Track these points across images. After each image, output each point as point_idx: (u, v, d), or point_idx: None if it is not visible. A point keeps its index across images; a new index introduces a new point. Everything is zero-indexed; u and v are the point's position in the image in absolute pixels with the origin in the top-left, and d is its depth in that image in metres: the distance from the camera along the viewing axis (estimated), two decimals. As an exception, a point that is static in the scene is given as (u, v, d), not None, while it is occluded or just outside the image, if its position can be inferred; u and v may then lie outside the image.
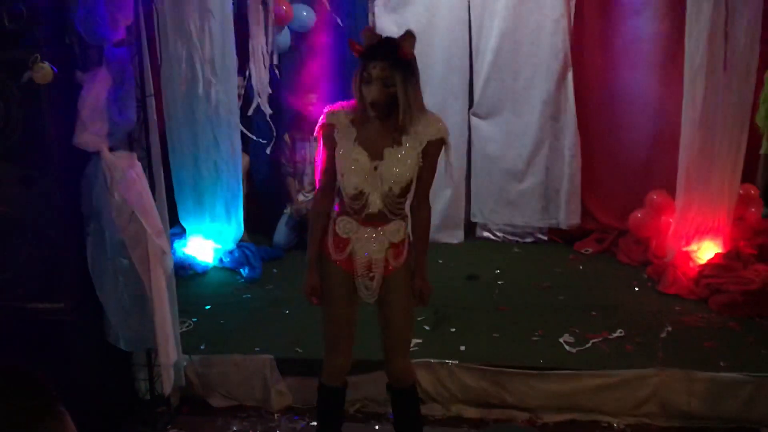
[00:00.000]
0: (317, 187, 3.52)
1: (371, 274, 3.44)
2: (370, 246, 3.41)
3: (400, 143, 3.29)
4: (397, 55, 3.18)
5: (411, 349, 4.54)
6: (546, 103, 6.55)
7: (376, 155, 3.29)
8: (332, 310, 3.54)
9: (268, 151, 6.34)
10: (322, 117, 3.38)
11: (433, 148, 3.33)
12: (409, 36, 3.22)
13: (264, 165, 6.92)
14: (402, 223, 3.43)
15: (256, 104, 6.19)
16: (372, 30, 3.32)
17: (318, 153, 3.46)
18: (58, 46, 3.70)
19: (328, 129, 3.35)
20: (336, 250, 3.45)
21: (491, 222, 6.94)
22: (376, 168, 3.29)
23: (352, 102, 3.33)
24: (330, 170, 3.39)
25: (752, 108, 5.42)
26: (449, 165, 3.42)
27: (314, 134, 3.43)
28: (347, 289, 3.48)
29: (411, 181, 3.35)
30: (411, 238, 3.52)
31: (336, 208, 3.47)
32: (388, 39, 3.26)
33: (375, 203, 3.33)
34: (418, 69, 3.28)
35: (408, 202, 3.44)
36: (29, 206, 3.76)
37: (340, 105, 3.37)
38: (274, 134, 6.25)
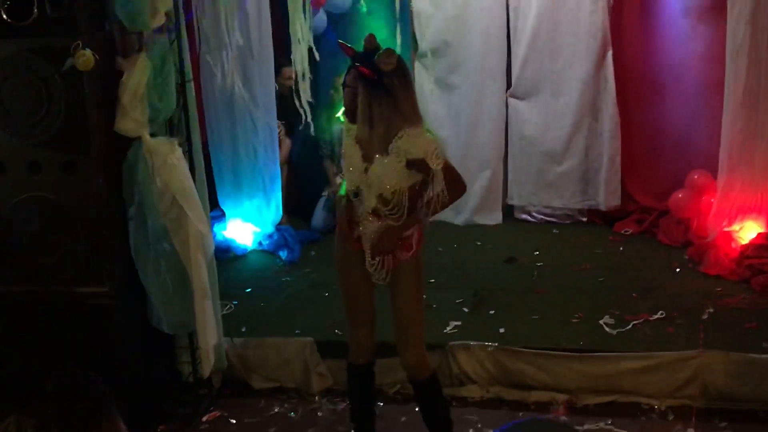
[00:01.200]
0: None
1: (374, 262, 3.48)
2: (376, 234, 3.45)
3: (387, 152, 3.33)
4: (370, 68, 3.24)
5: (450, 331, 4.62)
6: (585, 83, 6.49)
7: (368, 158, 3.37)
8: (348, 288, 3.64)
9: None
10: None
11: (418, 168, 3.32)
12: (386, 53, 3.26)
13: (303, 148, 6.93)
14: (410, 220, 3.44)
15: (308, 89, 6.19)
16: (373, 38, 3.35)
17: None
18: (98, 33, 3.74)
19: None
20: (349, 230, 3.52)
21: (530, 204, 6.90)
22: (366, 170, 3.37)
23: None
24: None
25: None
26: (436, 192, 3.35)
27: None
28: (362, 268, 3.54)
29: (401, 192, 3.35)
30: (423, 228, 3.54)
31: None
32: (367, 52, 3.31)
33: (369, 202, 3.40)
34: (408, 83, 3.33)
35: (416, 206, 3.43)
36: (72, 192, 3.82)
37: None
38: (305, 117, 6.26)
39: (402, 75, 3.32)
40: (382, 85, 3.27)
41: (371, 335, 3.72)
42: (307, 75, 6.19)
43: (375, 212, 3.43)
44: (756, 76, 5.36)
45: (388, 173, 3.32)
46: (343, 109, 3.37)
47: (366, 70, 3.26)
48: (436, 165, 3.30)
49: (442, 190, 3.33)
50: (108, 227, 3.90)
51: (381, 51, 3.29)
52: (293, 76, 6.48)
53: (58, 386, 1.19)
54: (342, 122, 3.57)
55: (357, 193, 3.43)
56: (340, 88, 3.39)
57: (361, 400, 3.84)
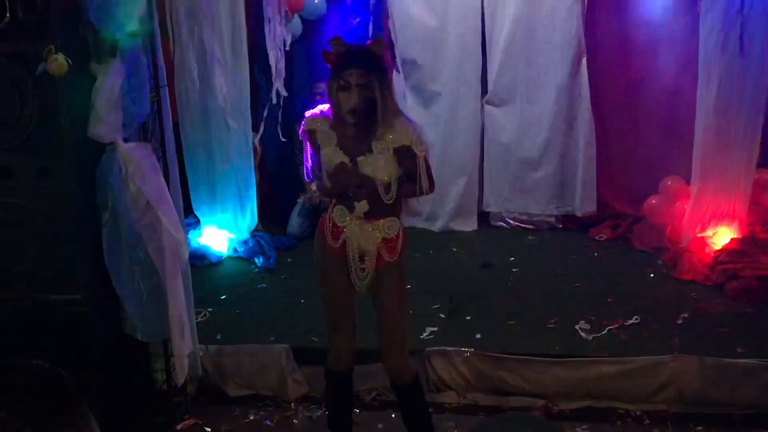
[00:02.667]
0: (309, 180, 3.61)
1: (362, 266, 3.48)
2: (362, 238, 3.45)
3: (371, 150, 3.33)
4: (373, 61, 3.23)
5: (426, 338, 4.62)
6: (560, 90, 6.52)
7: (354, 161, 3.36)
8: (330, 294, 3.62)
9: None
10: (302, 122, 3.47)
11: (403, 156, 3.35)
12: (378, 40, 3.29)
13: (276, 154, 6.92)
14: (396, 220, 3.48)
15: (276, 91, 6.19)
16: (340, 39, 3.33)
17: (305, 152, 3.53)
18: (72, 38, 3.68)
19: (310, 135, 3.44)
20: (332, 237, 3.51)
21: (506, 211, 6.92)
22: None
23: (330, 108, 3.38)
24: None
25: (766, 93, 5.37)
26: (421, 175, 3.39)
27: (299, 137, 3.51)
28: (344, 275, 3.54)
29: (394, 182, 3.38)
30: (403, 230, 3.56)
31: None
32: (360, 46, 3.31)
33: (360, 208, 3.40)
34: (390, 73, 3.37)
35: (401, 201, 3.49)
36: (44, 198, 3.75)
37: (320, 110, 3.43)
38: (279, 120, 6.27)
39: (388, 65, 3.37)
40: (386, 74, 3.29)
41: (352, 342, 3.71)
42: (281, 74, 6.21)
43: (363, 215, 3.43)
44: (728, 84, 5.41)
45: (378, 168, 3.33)
46: (347, 111, 3.26)
47: (382, 57, 3.25)
48: (421, 152, 3.34)
49: (426, 178, 3.38)
50: (81, 234, 3.84)
51: (374, 42, 3.29)
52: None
53: (27, 382, 1.18)
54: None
55: (345, 198, 3.42)
56: (336, 94, 3.32)
57: (339, 407, 3.83)
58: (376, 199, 3.39)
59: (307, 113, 3.47)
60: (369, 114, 3.26)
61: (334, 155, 3.37)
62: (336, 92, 3.27)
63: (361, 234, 3.45)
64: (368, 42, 3.34)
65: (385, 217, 3.44)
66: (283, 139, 6.42)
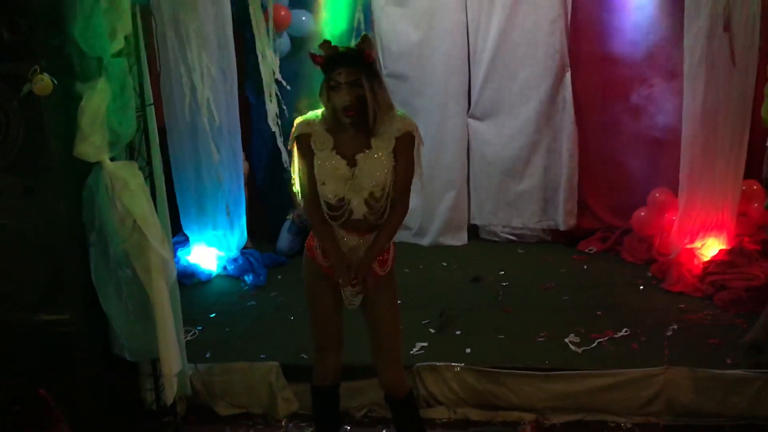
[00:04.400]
0: (303, 198, 3.53)
1: (354, 281, 3.45)
2: (351, 254, 3.43)
3: (370, 147, 3.33)
4: (360, 59, 3.24)
5: (416, 353, 4.61)
6: (543, 103, 6.54)
7: (352, 162, 3.34)
8: (318, 313, 3.61)
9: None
10: (294, 128, 3.43)
11: (403, 145, 3.35)
12: (366, 38, 3.29)
13: (265, 171, 6.91)
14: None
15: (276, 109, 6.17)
16: (329, 43, 3.34)
17: (294, 164, 3.50)
18: (57, 58, 3.68)
19: (304, 139, 3.40)
20: (324, 257, 3.50)
21: (490, 224, 6.92)
22: (353, 174, 3.33)
23: (321, 112, 3.38)
24: (312, 179, 3.42)
25: (754, 102, 5.38)
26: (419, 164, 3.42)
27: (288, 146, 3.48)
28: (332, 294, 3.54)
29: (390, 184, 3.37)
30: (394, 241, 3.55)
31: None
32: (346, 47, 3.31)
33: (359, 209, 3.37)
34: (380, 70, 3.37)
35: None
36: (31, 218, 3.76)
37: (313, 114, 3.41)
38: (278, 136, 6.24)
39: (378, 61, 3.38)
40: (375, 71, 3.29)
41: (338, 358, 3.70)
42: (274, 96, 6.20)
43: (356, 229, 3.41)
44: (714, 94, 5.43)
45: (378, 166, 3.32)
46: (340, 111, 3.26)
47: (371, 56, 3.26)
48: (421, 140, 3.39)
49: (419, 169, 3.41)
50: (68, 254, 3.84)
51: (361, 40, 3.29)
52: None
53: (4, 398, 1.18)
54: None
55: (338, 206, 3.39)
56: (327, 94, 3.30)
57: (326, 422, 3.81)
58: (373, 213, 3.38)
59: (298, 119, 3.44)
60: (363, 111, 3.27)
61: (329, 160, 3.35)
62: (327, 93, 3.28)
63: (352, 251, 3.44)
64: (358, 42, 3.32)
65: (375, 231, 3.43)
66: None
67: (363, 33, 3.35)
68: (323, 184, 3.38)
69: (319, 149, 3.37)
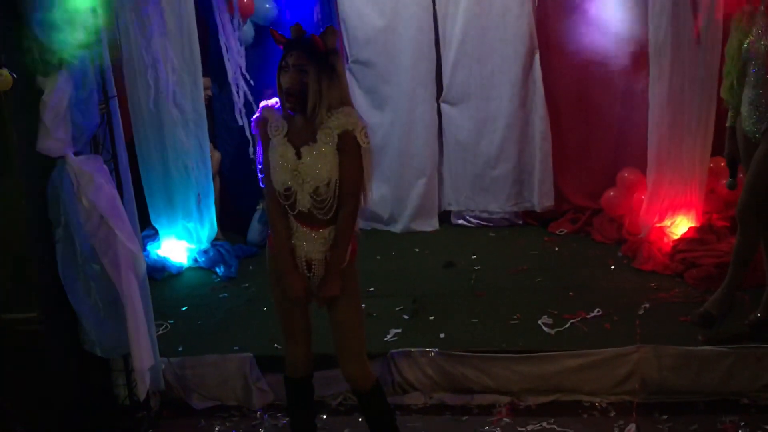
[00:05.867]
0: (263, 186, 3.48)
1: (310, 274, 3.45)
2: (308, 246, 3.42)
3: (315, 140, 3.29)
4: (312, 46, 3.22)
5: (390, 339, 4.61)
6: (515, 87, 6.53)
7: (299, 152, 3.31)
8: (283, 302, 3.57)
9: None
10: (257, 112, 3.41)
11: (346, 143, 3.29)
12: (329, 30, 3.27)
13: (232, 161, 6.86)
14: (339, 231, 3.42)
15: (243, 99, 6.12)
16: (300, 27, 3.32)
17: (257, 150, 3.47)
18: (16, 52, 3.63)
19: (262, 123, 3.39)
20: None
21: (467, 210, 6.93)
22: (298, 165, 3.30)
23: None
24: (268, 166, 3.40)
25: (719, 80, 5.41)
26: (365, 168, 3.34)
27: (251, 131, 3.46)
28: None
29: (334, 181, 3.32)
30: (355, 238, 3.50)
31: None
32: (311, 34, 3.29)
33: (303, 201, 3.34)
34: (342, 65, 3.32)
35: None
36: (-5, 215, 3.71)
37: (276, 100, 3.38)
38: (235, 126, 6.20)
39: (339, 55, 3.32)
40: (330, 63, 3.25)
41: (308, 348, 3.68)
42: (242, 86, 6.16)
43: (307, 222, 3.38)
44: (680, 74, 5.47)
45: (320, 161, 3.27)
46: (283, 93, 3.24)
47: (321, 43, 3.22)
48: (365, 143, 3.30)
49: (368, 172, 3.35)
50: (34, 251, 3.79)
51: (324, 30, 3.27)
52: (210, 86, 6.48)
53: None
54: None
55: (288, 195, 3.35)
56: (278, 76, 3.27)
57: (300, 413, 3.79)
58: (320, 207, 3.34)
59: (263, 103, 3.42)
60: (303, 99, 3.24)
61: (282, 148, 3.32)
62: (278, 74, 3.26)
63: (307, 243, 3.42)
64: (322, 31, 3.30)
65: (329, 226, 3.39)
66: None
67: (329, 25, 3.31)
68: (273, 171, 3.35)
69: (274, 135, 3.35)
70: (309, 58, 3.21)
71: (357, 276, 3.54)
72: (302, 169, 3.29)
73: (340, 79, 3.30)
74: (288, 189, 3.34)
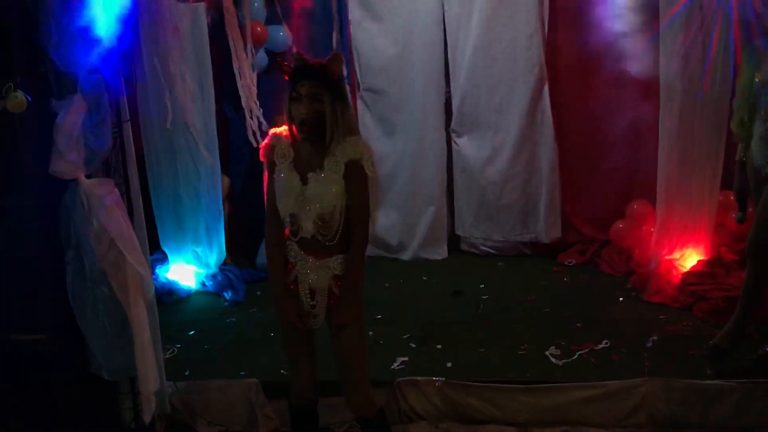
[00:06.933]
0: (266, 211, 3.48)
1: (313, 302, 3.43)
2: (312, 276, 3.40)
3: (322, 167, 3.28)
4: (325, 75, 3.21)
5: (397, 368, 4.59)
6: (523, 117, 6.55)
7: (304, 178, 3.31)
8: (287, 331, 3.55)
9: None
10: (266, 138, 3.41)
11: (353, 172, 3.28)
12: (336, 56, 3.27)
13: (243, 187, 6.89)
14: (345, 257, 3.40)
15: (257, 123, 6.16)
16: (301, 53, 3.33)
17: (265, 177, 3.47)
18: (32, 75, 3.67)
19: (269, 151, 3.38)
20: (284, 272, 3.46)
21: (472, 237, 6.93)
22: (303, 191, 3.30)
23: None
24: (273, 192, 3.40)
25: (729, 115, 5.42)
26: (372, 196, 3.35)
27: (260, 157, 3.44)
28: (299, 309, 3.46)
29: (340, 208, 3.30)
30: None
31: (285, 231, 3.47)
32: (317, 61, 3.28)
33: (307, 228, 3.32)
34: (347, 91, 3.31)
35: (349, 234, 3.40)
36: (6, 237, 3.73)
37: (285, 127, 3.37)
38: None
39: (346, 82, 3.33)
40: (341, 89, 3.26)
41: (312, 375, 3.64)
42: (255, 111, 6.20)
43: (311, 250, 3.37)
44: (690, 107, 5.47)
45: (326, 189, 3.27)
46: (297, 123, 3.23)
47: (335, 72, 3.22)
48: (372, 172, 3.30)
49: (375, 201, 3.35)
50: (44, 272, 3.81)
51: (330, 57, 3.26)
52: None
53: None
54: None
55: (293, 222, 3.35)
56: (289, 105, 3.26)
57: None
58: (324, 233, 3.33)
59: (272, 130, 3.42)
60: (319, 127, 3.23)
61: (287, 175, 3.32)
62: (289, 105, 3.25)
63: (311, 272, 3.40)
64: (328, 57, 3.28)
65: (333, 255, 3.38)
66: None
67: (334, 50, 3.32)
68: (279, 197, 3.34)
69: (280, 162, 3.34)
70: (322, 86, 3.20)
71: (360, 305, 3.50)
72: (308, 195, 3.29)
73: (350, 106, 3.32)
74: (293, 215, 3.34)
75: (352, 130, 3.33)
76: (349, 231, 3.37)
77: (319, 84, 3.20)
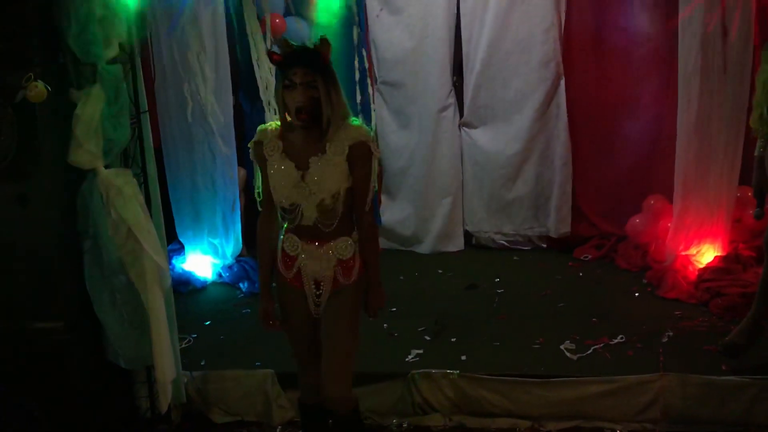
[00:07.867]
0: (260, 208, 3.49)
1: (318, 291, 3.39)
2: (315, 265, 3.35)
3: (324, 151, 3.23)
4: (318, 60, 3.18)
5: (411, 360, 4.60)
6: (537, 111, 6.54)
7: (302, 165, 3.25)
8: (293, 330, 3.53)
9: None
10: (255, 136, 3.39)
11: (357, 154, 3.24)
12: (324, 42, 3.22)
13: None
14: (349, 239, 3.36)
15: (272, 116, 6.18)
16: (287, 40, 3.26)
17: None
18: (51, 65, 3.70)
19: (258, 146, 3.34)
20: (285, 268, 3.42)
21: (482, 231, 6.93)
22: (303, 178, 3.24)
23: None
24: (267, 188, 3.38)
25: (748, 108, 5.38)
26: (373, 173, 3.31)
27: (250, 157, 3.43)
28: (304, 307, 3.44)
29: (343, 192, 3.27)
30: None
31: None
32: (305, 47, 3.23)
33: (309, 215, 3.28)
34: (336, 75, 3.26)
35: (352, 216, 3.37)
36: (24, 226, 3.76)
37: (274, 123, 3.36)
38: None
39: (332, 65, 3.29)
40: (331, 73, 3.21)
41: (320, 374, 3.48)
42: (273, 104, 6.21)
43: (314, 237, 3.33)
44: (708, 102, 5.44)
45: (329, 173, 3.23)
46: (293, 111, 3.17)
47: (326, 56, 3.19)
48: (377, 152, 3.29)
49: (375, 180, 3.32)
50: (62, 261, 3.84)
51: (318, 41, 3.22)
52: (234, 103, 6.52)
53: None
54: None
55: (291, 210, 3.30)
56: (282, 94, 3.20)
57: None
58: (324, 219, 3.29)
59: (259, 127, 3.39)
60: (316, 114, 3.19)
61: (279, 164, 3.27)
62: (282, 93, 3.20)
63: (313, 260, 3.35)
64: (316, 43, 3.24)
65: (336, 238, 3.33)
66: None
67: (321, 36, 3.27)
68: (274, 189, 3.31)
69: (269, 154, 3.29)
70: (315, 72, 3.15)
71: (360, 295, 3.47)
72: (309, 181, 3.24)
73: (341, 88, 3.25)
74: (293, 204, 3.29)
75: (346, 112, 3.28)
76: (349, 214, 3.34)
77: (312, 70, 3.15)
